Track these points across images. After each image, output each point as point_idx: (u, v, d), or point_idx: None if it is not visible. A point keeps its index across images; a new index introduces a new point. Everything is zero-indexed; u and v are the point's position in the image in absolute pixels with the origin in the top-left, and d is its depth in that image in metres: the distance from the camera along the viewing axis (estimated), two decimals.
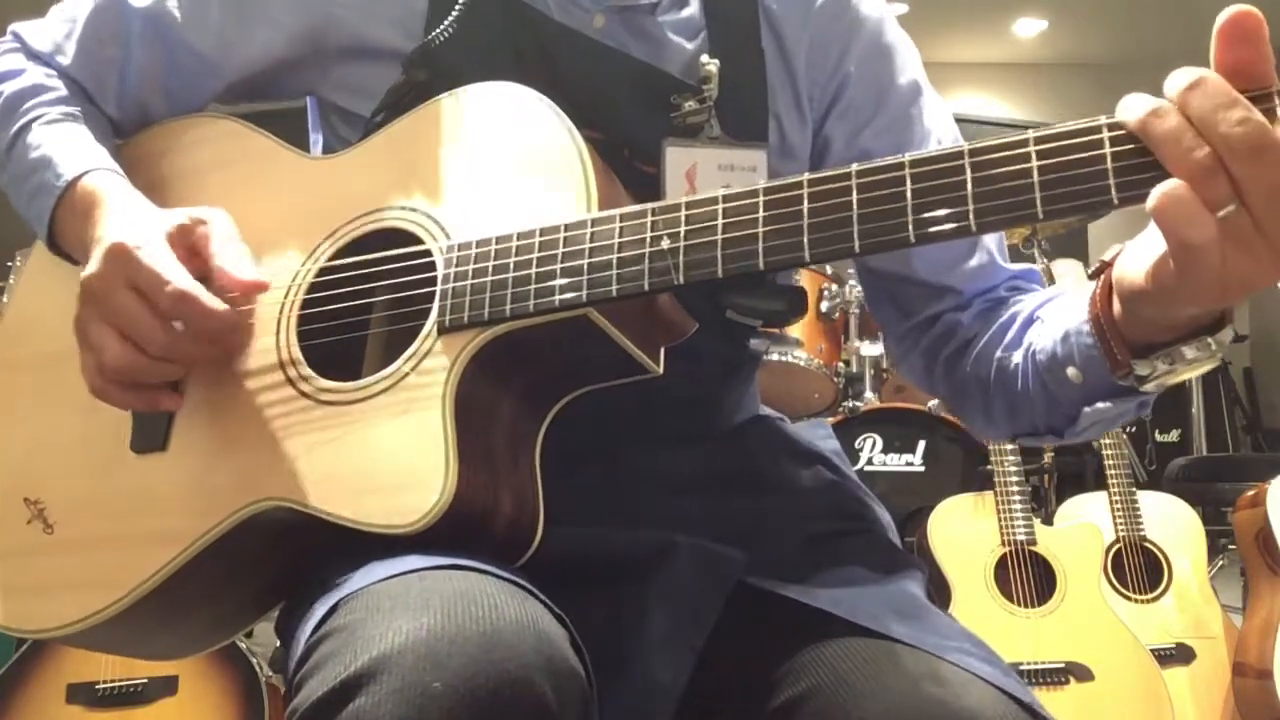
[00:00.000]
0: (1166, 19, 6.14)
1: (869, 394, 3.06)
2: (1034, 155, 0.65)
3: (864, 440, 2.93)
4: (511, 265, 0.80)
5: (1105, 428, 0.88)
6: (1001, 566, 2.32)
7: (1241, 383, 6.28)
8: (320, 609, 0.73)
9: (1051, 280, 2.69)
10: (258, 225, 0.92)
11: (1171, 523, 2.53)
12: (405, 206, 0.88)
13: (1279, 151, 0.59)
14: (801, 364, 2.63)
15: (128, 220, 0.88)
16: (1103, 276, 0.75)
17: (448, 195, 0.87)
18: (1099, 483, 2.67)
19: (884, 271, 1.06)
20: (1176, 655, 2.36)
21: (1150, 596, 2.45)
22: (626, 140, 0.95)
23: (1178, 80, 0.62)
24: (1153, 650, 2.28)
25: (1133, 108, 0.63)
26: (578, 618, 0.74)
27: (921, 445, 2.94)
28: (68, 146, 0.96)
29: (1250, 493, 2.46)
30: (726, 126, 0.97)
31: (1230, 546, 3.28)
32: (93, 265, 0.85)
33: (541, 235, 0.79)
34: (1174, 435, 5.11)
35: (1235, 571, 2.77)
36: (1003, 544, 2.34)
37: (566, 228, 0.79)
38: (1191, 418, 5.21)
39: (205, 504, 0.85)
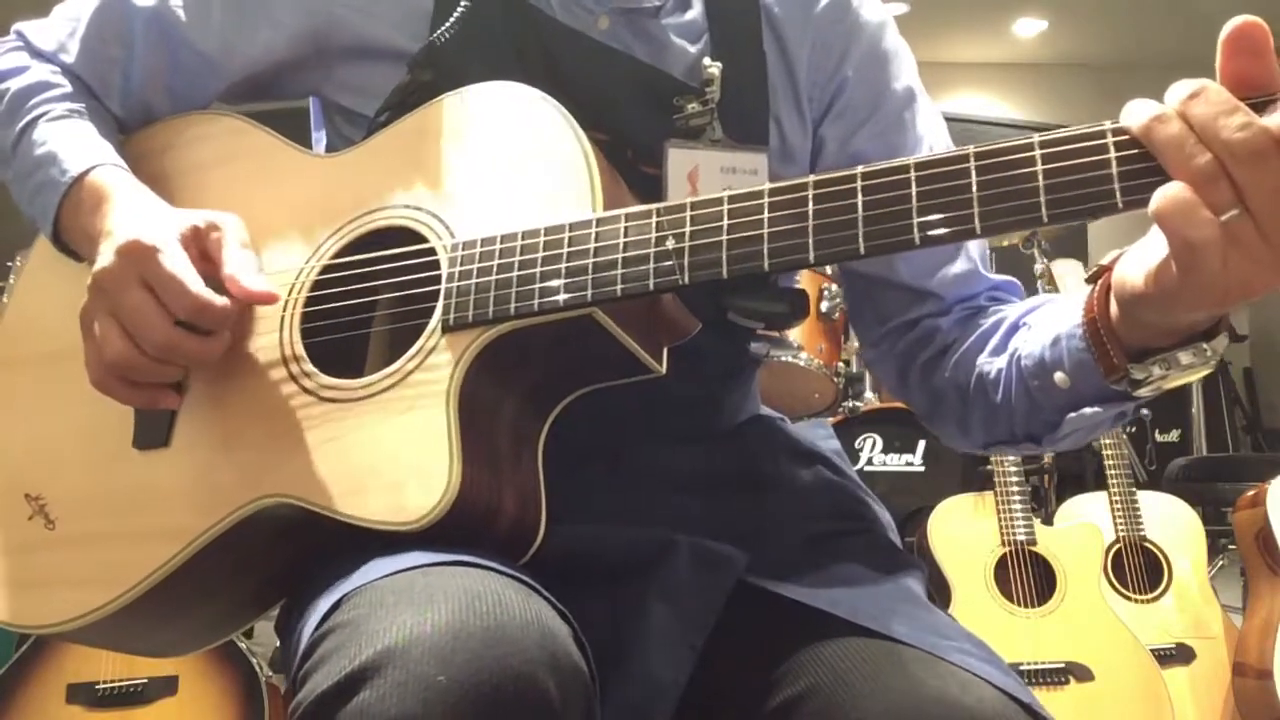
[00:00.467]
0: (1167, 20, 6.15)
1: (869, 394, 3.06)
2: (1039, 159, 0.66)
3: (864, 440, 2.94)
4: (516, 264, 0.80)
5: (1085, 436, 0.88)
6: (1001, 566, 2.33)
7: (1241, 383, 6.28)
8: (324, 604, 0.73)
9: (1052, 280, 2.69)
10: (261, 222, 0.92)
11: (1171, 523, 2.53)
12: (409, 205, 0.88)
13: None
14: (801, 364, 2.63)
15: (139, 216, 0.88)
16: (1101, 280, 0.75)
17: (452, 194, 0.87)
18: (1099, 483, 2.67)
19: (867, 274, 1.06)
20: (1176, 655, 2.36)
21: (1150, 596, 2.45)
22: (629, 141, 0.95)
23: (1179, 91, 0.62)
24: (1153, 650, 2.28)
25: (1136, 113, 0.63)
26: (579, 615, 0.74)
27: (921, 445, 2.94)
28: (73, 142, 0.96)
29: (1250, 493, 2.46)
30: (729, 129, 0.97)
31: (1230, 546, 3.28)
32: (105, 259, 0.84)
33: (546, 234, 0.80)
34: (1174, 435, 5.11)
35: (1235, 571, 2.77)
36: (1003, 544, 2.34)
37: (571, 227, 0.79)
38: (1191, 418, 5.21)
39: (208, 500, 0.85)
